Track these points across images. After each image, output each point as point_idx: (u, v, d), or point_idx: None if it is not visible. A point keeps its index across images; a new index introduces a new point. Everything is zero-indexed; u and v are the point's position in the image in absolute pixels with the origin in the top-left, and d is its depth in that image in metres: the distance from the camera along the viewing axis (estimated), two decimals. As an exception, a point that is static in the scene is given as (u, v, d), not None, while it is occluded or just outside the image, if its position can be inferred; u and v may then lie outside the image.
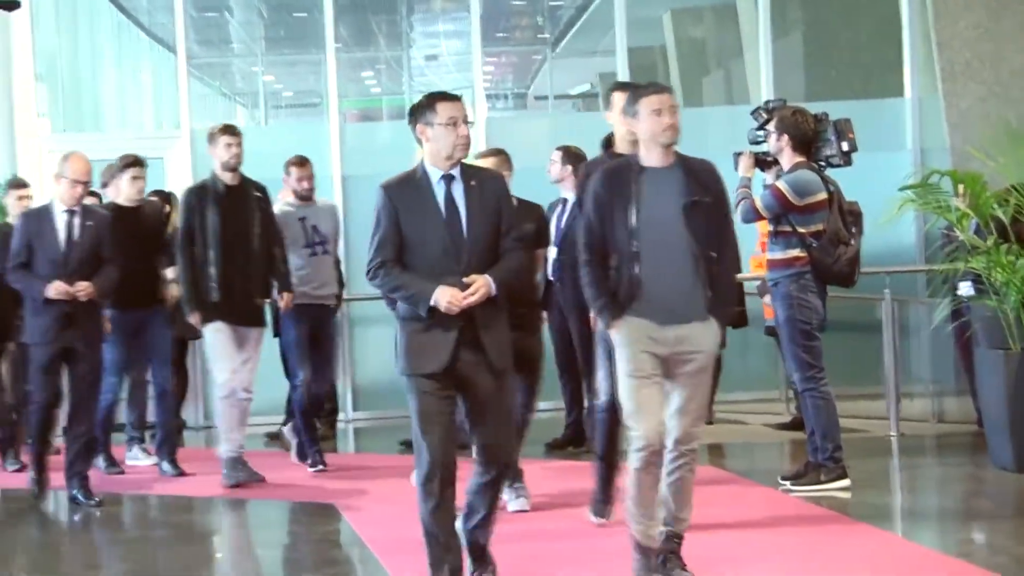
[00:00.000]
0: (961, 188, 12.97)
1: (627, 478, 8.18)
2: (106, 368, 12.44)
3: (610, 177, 8.26)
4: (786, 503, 10.85)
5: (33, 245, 11.29)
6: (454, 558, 7.93)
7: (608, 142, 10.08)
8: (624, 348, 8.05)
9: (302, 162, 13.14)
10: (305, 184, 13.36)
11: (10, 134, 18.33)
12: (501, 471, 8.02)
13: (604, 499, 10.17)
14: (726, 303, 8.38)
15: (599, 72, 26.51)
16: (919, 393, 16.55)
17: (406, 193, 7.80)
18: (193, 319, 12.24)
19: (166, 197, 15.44)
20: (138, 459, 13.94)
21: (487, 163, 10.69)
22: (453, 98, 7.94)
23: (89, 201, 13.04)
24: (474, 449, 8.09)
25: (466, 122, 7.81)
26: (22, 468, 13.50)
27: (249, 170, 14.25)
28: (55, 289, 11.09)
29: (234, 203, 12.34)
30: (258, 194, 12.68)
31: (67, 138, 18.83)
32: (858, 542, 9.64)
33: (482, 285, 7.66)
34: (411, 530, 10.44)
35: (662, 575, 8.27)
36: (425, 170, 7.84)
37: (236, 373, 12.39)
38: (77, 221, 11.28)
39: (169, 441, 13.55)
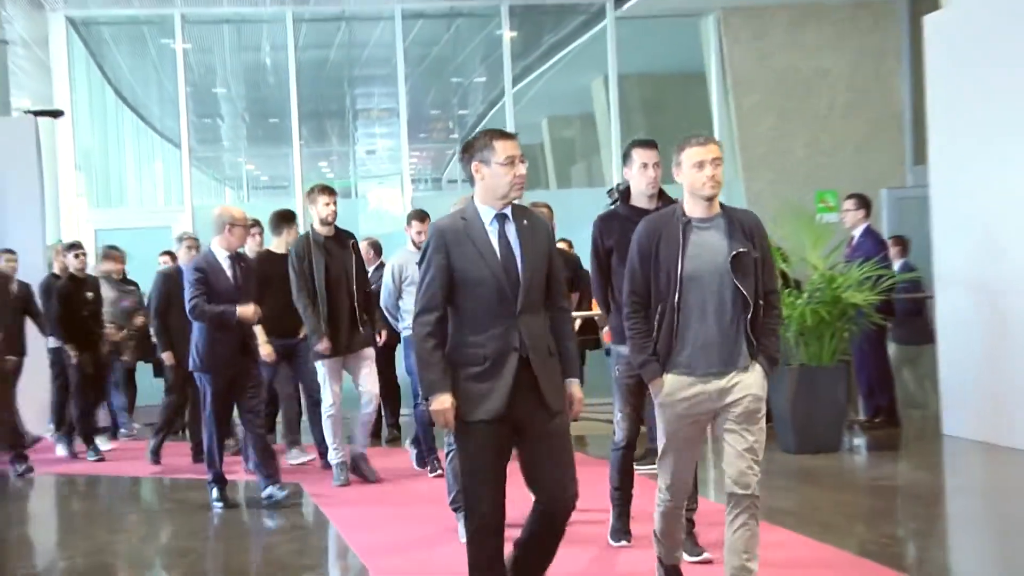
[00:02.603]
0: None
1: (656, 520, 6.74)
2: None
3: (654, 227, 6.48)
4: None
5: (210, 286, 10.30)
6: None
7: (625, 195, 8.38)
8: (665, 408, 6.38)
9: (423, 217, 11.54)
10: (423, 236, 11.05)
11: (56, 209, 18.36)
12: (562, 522, 6.06)
13: (623, 527, 8.50)
14: (772, 351, 6.48)
15: (495, 162, 26.60)
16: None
17: (459, 233, 6.00)
18: (322, 346, 11.17)
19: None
20: (298, 458, 12.80)
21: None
22: (511, 136, 6.15)
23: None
24: (533, 498, 6.14)
25: (523, 161, 6.07)
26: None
27: None
28: (245, 311, 10.35)
29: (333, 251, 11.37)
30: (351, 242, 11.69)
31: (99, 212, 18.98)
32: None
33: (579, 399, 6.14)
34: (367, 506, 10.60)
35: None
36: (476, 209, 6.08)
37: (338, 397, 11.44)
38: (236, 265, 10.48)
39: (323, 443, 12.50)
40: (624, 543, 8.38)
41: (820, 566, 7.88)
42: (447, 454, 9.05)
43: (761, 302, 6.34)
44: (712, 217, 6.38)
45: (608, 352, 13.88)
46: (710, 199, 6.38)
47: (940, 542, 9.12)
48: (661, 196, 8.01)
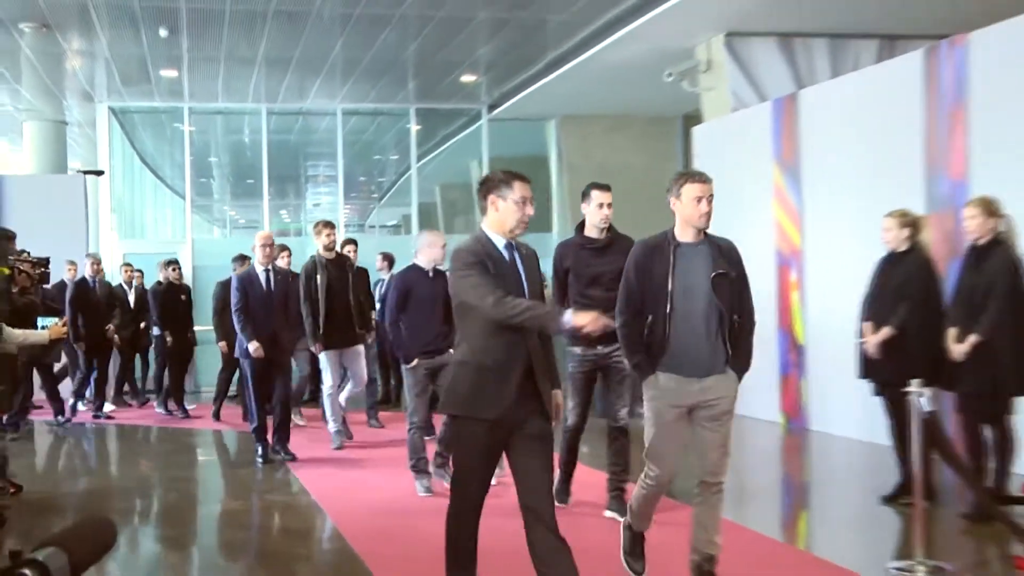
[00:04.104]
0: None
1: (635, 497, 5.61)
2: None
3: (650, 250, 5.42)
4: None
5: (248, 294, 9.70)
6: None
7: (580, 227, 7.45)
8: (653, 402, 5.35)
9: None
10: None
11: (96, 239, 18.26)
12: (550, 516, 4.62)
13: (565, 491, 7.49)
14: (745, 359, 5.45)
15: (403, 214, 26.69)
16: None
17: (489, 254, 4.77)
18: (315, 348, 10.55)
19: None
20: (297, 421, 11.89)
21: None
22: (526, 180, 4.96)
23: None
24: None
25: (531, 203, 4.91)
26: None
27: (219, 260, 14.16)
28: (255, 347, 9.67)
29: (333, 271, 10.57)
30: (348, 263, 10.95)
31: (126, 241, 18.73)
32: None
33: (560, 407, 4.97)
34: (327, 460, 10.27)
35: None
36: (488, 237, 4.86)
37: (338, 381, 10.62)
38: (272, 276, 9.79)
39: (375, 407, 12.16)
40: (564, 504, 7.27)
41: (594, 488, 7.67)
42: (409, 428, 8.33)
43: (736, 317, 5.35)
44: (699, 243, 5.40)
45: None
46: (702, 230, 5.41)
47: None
48: (610, 228, 7.27)
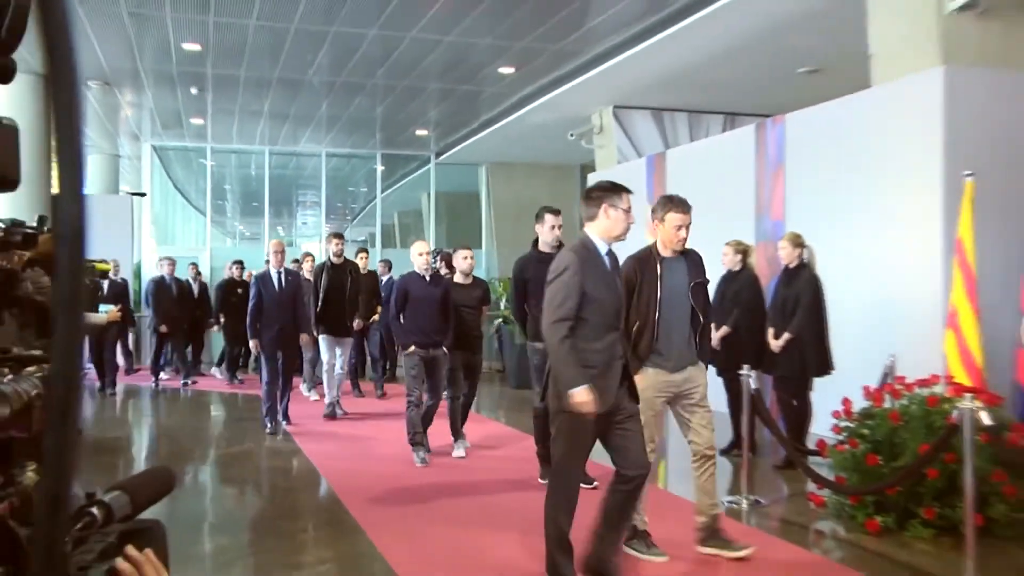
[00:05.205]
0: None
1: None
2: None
3: (639, 263, 4.83)
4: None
5: (262, 292, 8.88)
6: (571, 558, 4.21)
7: (535, 243, 6.86)
8: (646, 390, 4.65)
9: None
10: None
11: (139, 245, 17.85)
12: (640, 481, 4.28)
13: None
14: (708, 353, 5.01)
15: (369, 232, 26.42)
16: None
17: (589, 259, 4.17)
18: (311, 336, 9.46)
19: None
20: (310, 394, 11.48)
21: (468, 252, 7.95)
22: (630, 192, 4.33)
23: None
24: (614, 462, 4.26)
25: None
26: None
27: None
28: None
29: (335, 273, 9.84)
30: (351, 268, 10.11)
31: (164, 247, 18.29)
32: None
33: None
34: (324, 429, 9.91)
35: (718, 547, 4.96)
36: (593, 242, 4.22)
37: (334, 360, 9.91)
38: (283, 277, 8.96)
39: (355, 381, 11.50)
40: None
41: (511, 442, 7.63)
42: (407, 407, 7.42)
43: (701, 317, 4.88)
44: (677, 256, 4.91)
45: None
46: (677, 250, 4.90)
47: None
48: (559, 245, 6.66)
